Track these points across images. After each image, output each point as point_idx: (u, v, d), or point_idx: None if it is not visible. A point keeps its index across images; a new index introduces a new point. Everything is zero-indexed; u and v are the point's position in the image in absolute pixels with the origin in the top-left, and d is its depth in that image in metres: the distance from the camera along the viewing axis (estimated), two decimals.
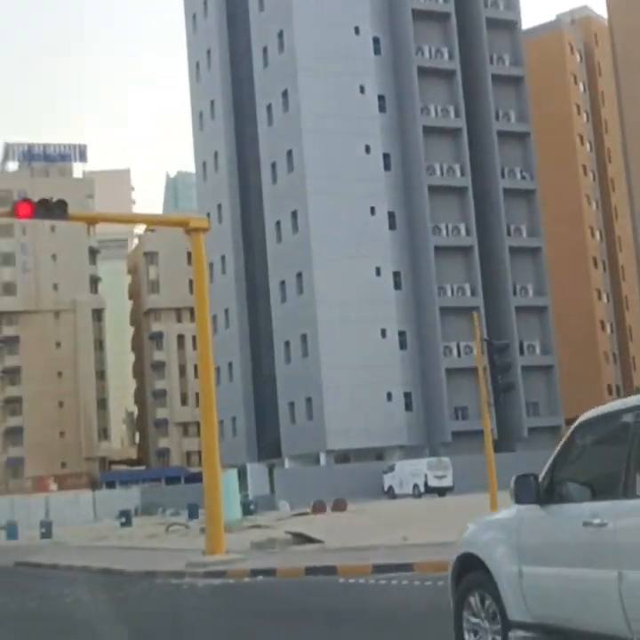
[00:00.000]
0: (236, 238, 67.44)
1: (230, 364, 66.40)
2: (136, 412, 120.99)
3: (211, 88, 70.32)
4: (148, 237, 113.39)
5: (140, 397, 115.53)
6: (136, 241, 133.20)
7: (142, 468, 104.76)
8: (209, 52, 70.66)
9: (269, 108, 62.75)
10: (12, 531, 44.36)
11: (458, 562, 7.03)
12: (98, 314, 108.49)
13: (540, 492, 6.21)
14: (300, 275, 59.00)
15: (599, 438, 6.10)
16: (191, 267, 20.12)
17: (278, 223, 61.39)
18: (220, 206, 68.68)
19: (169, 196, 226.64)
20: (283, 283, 61.04)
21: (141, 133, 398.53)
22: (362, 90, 60.89)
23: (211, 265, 66.40)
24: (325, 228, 57.46)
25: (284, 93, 60.75)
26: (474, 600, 6.79)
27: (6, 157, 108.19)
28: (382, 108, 62.01)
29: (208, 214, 67.49)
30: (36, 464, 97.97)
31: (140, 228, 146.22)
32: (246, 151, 66.78)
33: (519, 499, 6.39)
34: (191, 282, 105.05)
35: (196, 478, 52.31)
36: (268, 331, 62.49)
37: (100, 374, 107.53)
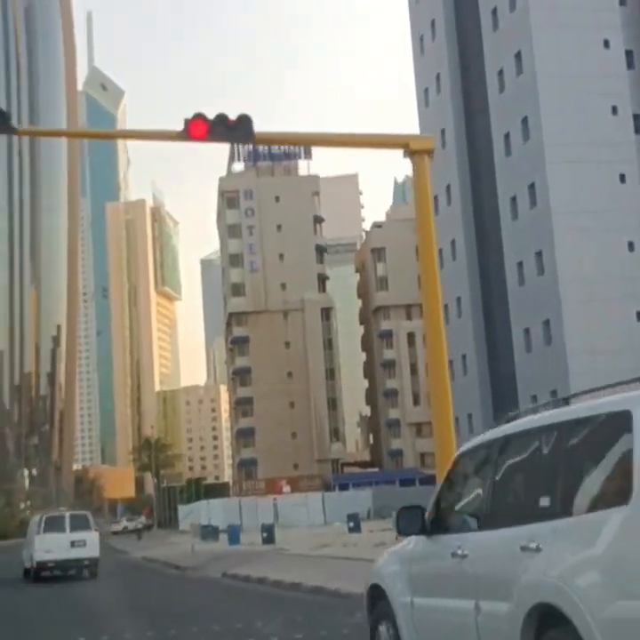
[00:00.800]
0: (467, 219, 62.08)
1: (464, 357, 61.12)
2: (368, 413, 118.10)
3: (436, 61, 65.46)
4: (375, 234, 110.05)
5: (371, 398, 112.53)
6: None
7: (375, 469, 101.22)
8: (433, 22, 65.83)
9: (501, 73, 56.94)
10: (233, 535, 41.36)
11: (369, 592, 7.30)
12: (326, 312, 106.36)
13: (425, 522, 6.41)
14: (539, 253, 52.88)
15: (473, 469, 6.24)
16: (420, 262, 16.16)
17: (513, 199, 55.51)
18: (448, 188, 63.63)
19: (397, 201, 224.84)
20: (520, 264, 55.09)
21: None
22: (606, 44, 53.92)
23: (439, 250, 61.50)
24: (569, 199, 50.99)
25: (517, 55, 54.83)
26: (382, 629, 7.01)
27: (232, 159, 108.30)
28: (631, 65, 54.76)
29: (435, 197, 62.62)
30: (269, 466, 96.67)
31: (367, 225, 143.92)
32: (476, 124, 61.33)
33: (401, 530, 6.61)
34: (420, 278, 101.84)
35: (430, 480, 48.08)
36: (505, 319, 56.70)
37: (331, 374, 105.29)
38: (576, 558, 4.58)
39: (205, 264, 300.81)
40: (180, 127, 14.88)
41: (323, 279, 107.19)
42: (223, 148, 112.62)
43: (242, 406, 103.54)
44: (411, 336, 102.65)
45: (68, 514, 28.99)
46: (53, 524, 26.83)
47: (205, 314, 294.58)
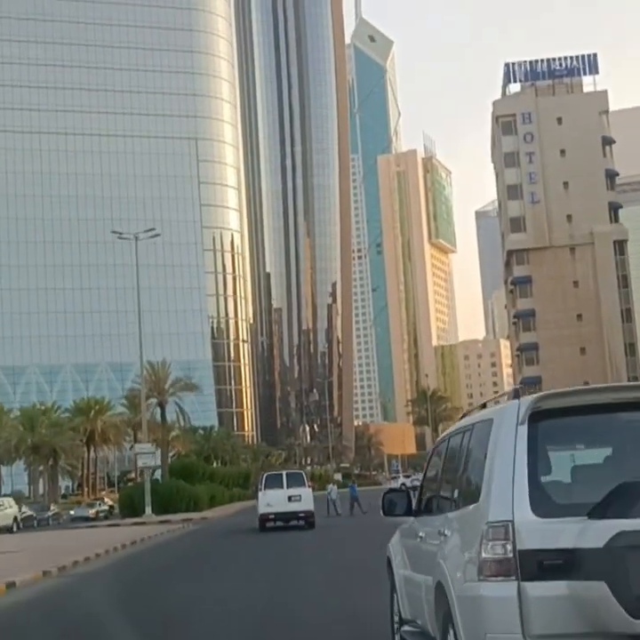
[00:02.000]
0: None
1: None
2: None
3: None
4: None
5: None
6: None
7: None
8: None
9: None
10: None
11: (387, 564, 7.94)
12: (620, 246, 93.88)
13: (410, 505, 7.12)
14: None
15: (437, 459, 6.89)
16: None
17: None
18: None
19: None
20: None
21: None
22: None
23: None
24: None
25: None
26: (395, 597, 7.65)
27: (508, 79, 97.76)
28: None
29: None
30: None
31: None
32: None
33: (385, 511, 7.25)
34: None
35: None
36: None
37: (627, 315, 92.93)
38: (453, 546, 5.46)
39: (480, 216, 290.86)
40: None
41: (614, 208, 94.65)
42: (499, 84, 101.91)
43: (526, 353, 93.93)
44: None
45: (284, 472, 32.95)
46: (273, 482, 30.39)
47: (482, 267, 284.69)
